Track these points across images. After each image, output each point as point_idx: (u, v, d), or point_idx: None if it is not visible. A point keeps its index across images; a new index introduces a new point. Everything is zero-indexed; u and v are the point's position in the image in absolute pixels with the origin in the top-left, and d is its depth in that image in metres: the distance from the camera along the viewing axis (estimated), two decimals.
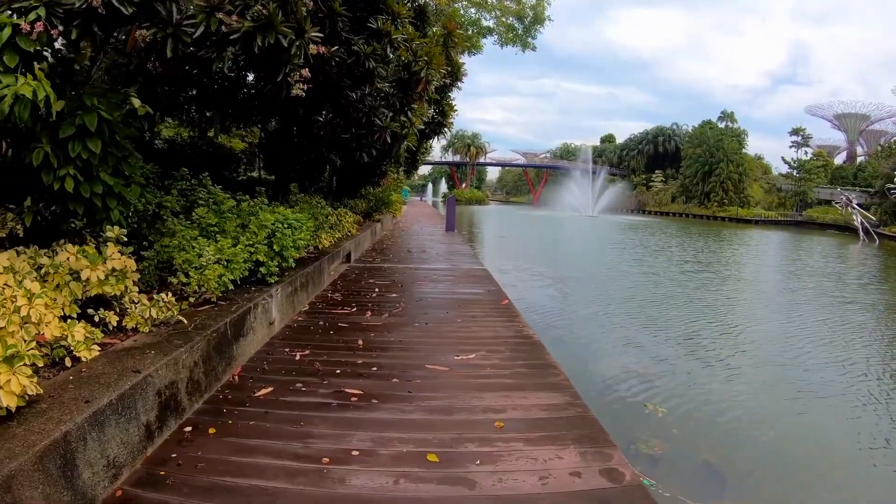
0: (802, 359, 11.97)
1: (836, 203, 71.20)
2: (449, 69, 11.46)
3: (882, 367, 11.74)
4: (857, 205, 63.57)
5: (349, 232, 13.85)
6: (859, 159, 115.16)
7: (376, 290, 10.03)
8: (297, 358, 6.09)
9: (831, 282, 25.03)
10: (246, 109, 11.50)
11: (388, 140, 9.49)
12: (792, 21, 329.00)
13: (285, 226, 7.77)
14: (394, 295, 9.69)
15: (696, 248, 37.21)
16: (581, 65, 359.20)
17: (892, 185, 54.87)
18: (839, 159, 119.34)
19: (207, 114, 12.57)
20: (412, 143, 9.97)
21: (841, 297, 21.00)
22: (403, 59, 9.26)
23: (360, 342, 6.78)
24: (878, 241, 54.45)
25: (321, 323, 7.64)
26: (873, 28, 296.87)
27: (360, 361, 6.06)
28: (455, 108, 14.37)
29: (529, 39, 18.67)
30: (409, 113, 9.79)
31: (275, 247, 7.39)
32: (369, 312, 8.29)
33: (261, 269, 7.08)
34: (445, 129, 14.54)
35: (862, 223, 58.41)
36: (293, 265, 7.87)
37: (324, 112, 10.14)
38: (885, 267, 34.41)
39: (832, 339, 13.81)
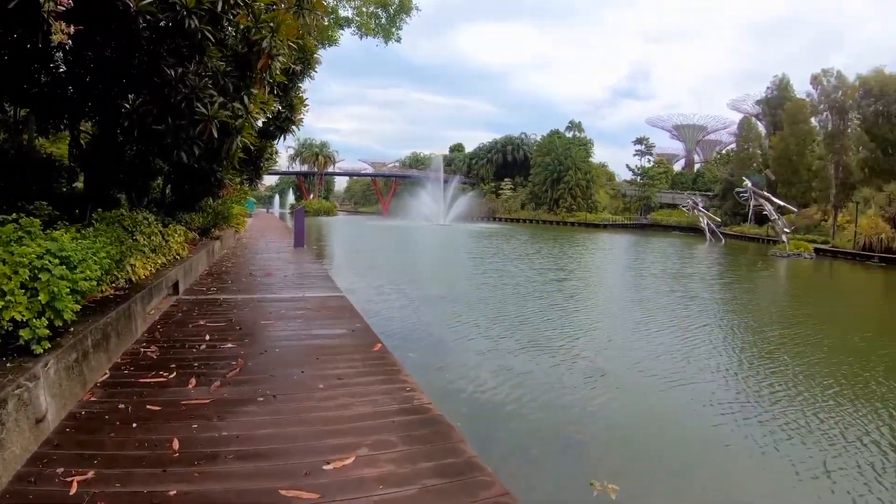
0: (664, 354, 13.13)
1: (683, 206, 75.25)
2: (300, 44, 8.98)
3: (737, 359, 13.54)
4: (703, 207, 66.84)
5: (178, 254, 11.09)
6: (697, 166, 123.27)
7: (207, 337, 7.39)
8: (73, 493, 3.55)
9: (695, 282, 27.35)
10: (57, 101, 8.54)
11: (215, 134, 6.79)
12: (634, 39, 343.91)
13: (56, 262, 5.04)
14: (229, 345, 7.15)
15: (553, 254, 37.91)
16: (431, 75, 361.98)
17: (741, 189, 57.50)
18: (678, 166, 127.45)
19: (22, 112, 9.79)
20: (250, 141, 7.27)
21: (711, 297, 22.97)
22: (242, 25, 6.86)
23: (176, 445, 4.27)
24: (723, 241, 58.03)
25: (122, 406, 5.03)
26: (708, 47, 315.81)
27: (172, 492, 3.59)
28: (306, 101, 11.71)
29: (394, 30, 16.28)
30: (246, 99, 7.21)
31: (41, 296, 4.72)
32: (194, 380, 5.73)
33: (21, 332, 4.41)
34: (294, 126, 11.73)
35: (708, 224, 62.48)
36: (75, 318, 5.20)
37: (131, 96, 7.30)
38: (737, 264, 39.69)
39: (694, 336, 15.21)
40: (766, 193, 55.72)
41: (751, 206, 57.49)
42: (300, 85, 11.58)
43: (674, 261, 38.92)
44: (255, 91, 7.40)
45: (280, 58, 7.27)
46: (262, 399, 5.42)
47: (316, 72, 11.62)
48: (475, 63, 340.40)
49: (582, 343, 13.80)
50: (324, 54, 14.04)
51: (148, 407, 5.02)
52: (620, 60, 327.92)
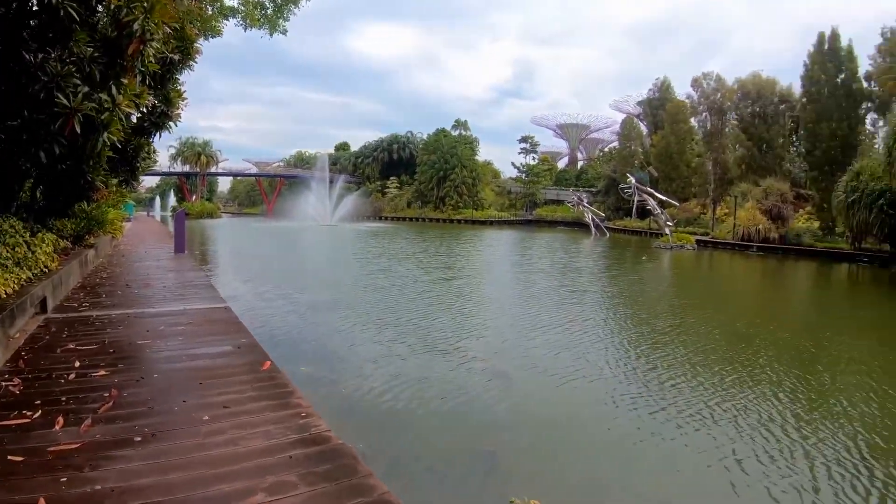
0: (549, 346, 13.66)
1: (569, 202, 77.46)
2: (178, 31, 8.09)
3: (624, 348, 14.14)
4: (588, 203, 68.91)
5: (45, 267, 9.92)
6: (580, 164, 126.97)
7: (77, 363, 6.33)
8: None
9: (584, 276, 28.65)
10: None
11: (78, 130, 5.81)
12: (520, 41, 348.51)
13: None
14: (102, 372, 6.14)
15: (441, 252, 38.37)
16: (318, 73, 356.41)
17: (626, 185, 59.53)
18: (562, 164, 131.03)
19: None
20: (118, 138, 6.33)
21: (600, 291, 24.13)
22: (113, 5, 5.97)
23: None
24: (608, 235, 59.88)
25: None
26: (592, 50, 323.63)
27: None
28: (185, 95, 10.60)
29: (280, 21, 15.26)
30: (115, 89, 6.26)
31: None
32: (61, 418, 4.79)
33: None
34: (171, 122, 10.59)
35: (593, 219, 64.19)
36: None
37: None
38: (623, 258, 42.19)
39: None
40: (649, 189, 58.72)
41: (634, 202, 59.92)
42: (178, 77, 10.47)
43: (561, 255, 40.02)
44: (125, 81, 6.49)
45: (154, 43, 6.42)
46: (139, 439, 4.57)
47: (196, 62, 10.61)
48: (362, 61, 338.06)
49: (476, 344, 13.66)
50: (206, 47, 12.91)
51: (10, 455, 4.11)
52: (506, 61, 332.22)
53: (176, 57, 9.17)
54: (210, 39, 14.68)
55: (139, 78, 6.84)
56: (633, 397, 10.26)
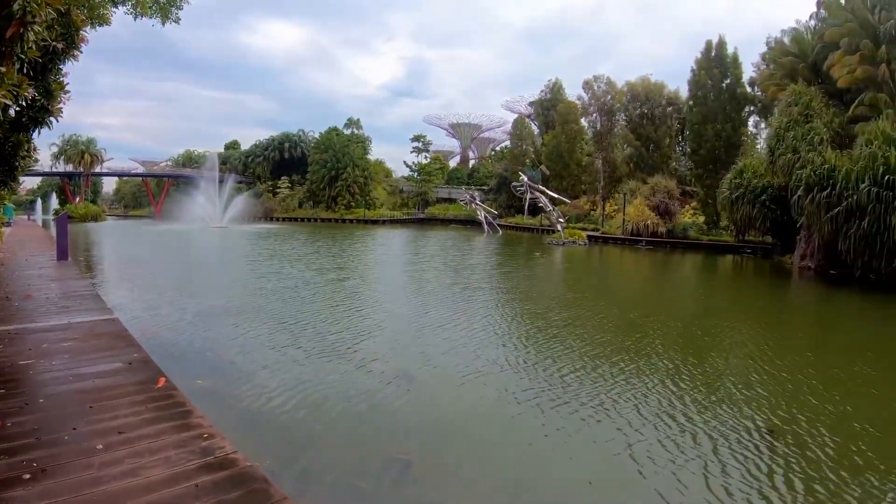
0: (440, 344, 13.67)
1: (461, 200, 78.32)
2: (63, 16, 7.23)
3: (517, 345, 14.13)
4: (480, 201, 69.69)
5: None
6: (471, 162, 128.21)
7: None
8: None
9: (477, 273, 28.67)
10: None
11: None
12: (414, 42, 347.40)
13: None
14: None
15: (333, 252, 37.86)
16: (208, 69, 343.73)
17: (518, 183, 60.44)
18: (453, 163, 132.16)
19: None
20: None
21: (494, 287, 24.40)
22: None
23: None
24: (500, 232, 60.62)
25: None
26: (485, 52, 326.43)
27: None
28: (67, 87, 9.51)
29: (173, 9, 14.23)
30: None
31: None
32: None
33: None
34: (52, 117, 9.43)
35: (486, 217, 64.77)
36: None
37: None
38: (516, 254, 42.83)
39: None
40: (541, 187, 60.18)
41: (527, 199, 60.78)
42: (61, 67, 9.45)
43: (454, 253, 40.28)
44: (2, 69, 5.68)
45: (36, 27, 5.63)
46: (28, 476, 4.00)
47: (81, 52, 9.67)
48: (255, 58, 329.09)
49: (373, 345, 13.44)
50: (93, 37, 11.74)
51: None
52: (400, 60, 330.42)
53: (60, 45, 8.21)
54: (97, 28, 13.48)
55: (17, 66, 6.01)
56: (535, 392, 10.28)
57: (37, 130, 9.57)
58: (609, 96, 65.25)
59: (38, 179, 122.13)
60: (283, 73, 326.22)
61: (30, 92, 7.28)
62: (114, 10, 13.57)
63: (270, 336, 13.80)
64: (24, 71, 6.62)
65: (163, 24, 13.99)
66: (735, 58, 55.40)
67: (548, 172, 69.81)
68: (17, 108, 7.87)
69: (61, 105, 9.37)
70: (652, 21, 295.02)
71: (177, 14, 14.33)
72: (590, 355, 12.89)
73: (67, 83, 9.53)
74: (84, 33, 9.25)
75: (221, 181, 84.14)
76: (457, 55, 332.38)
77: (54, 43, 7.99)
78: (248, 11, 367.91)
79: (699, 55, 55.83)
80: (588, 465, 7.76)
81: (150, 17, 14.09)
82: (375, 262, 34.31)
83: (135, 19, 13.73)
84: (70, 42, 8.74)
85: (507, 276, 28.53)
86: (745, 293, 27.04)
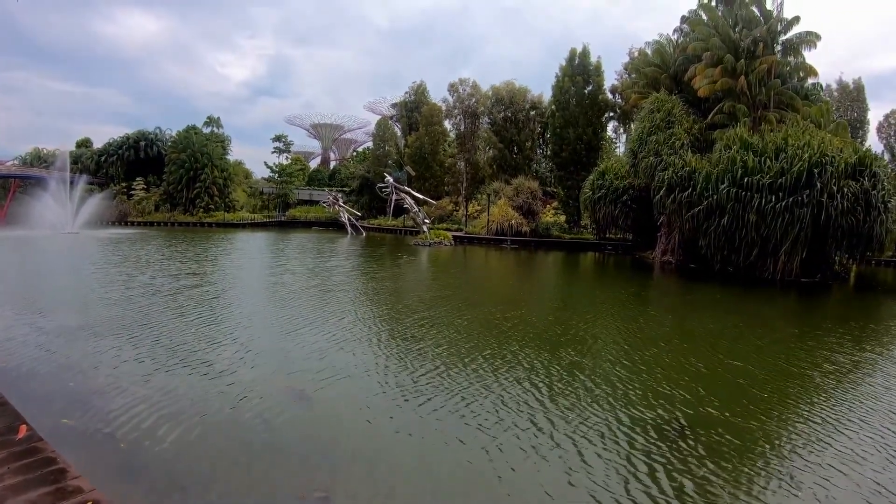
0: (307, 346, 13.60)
1: (324, 203, 78.04)
2: None
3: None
4: (343, 203, 69.41)
5: None
6: (332, 164, 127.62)
7: None
8: None
9: (340, 276, 28.19)
10: None
11: None
12: (276, 38, 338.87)
13: None
14: None
15: (188, 257, 36.03)
16: (57, 58, 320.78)
17: (383, 185, 60.46)
18: (314, 164, 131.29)
19: None
20: None
21: (360, 289, 24.28)
22: None
23: None
24: (364, 234, 60.50)
25: None
26: (347, 51, 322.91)
27: None
28: None
29: None
30: None
31: None
32: None
33: None
34: None
35: (349, 219, 64.70)
36: None
37: None
38: (382, 256, 42.25)
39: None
40: (406, 188, 60.10)
41: (392, 200, 60.46)
42: None
43: (315, 256, 39.79)
44: None
45: None
46: None
47: None
48: (109, 49, 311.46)
49: (232, 354, 12.83)
50: None
51: None
52: (260, 57, 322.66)
53: None
54: None
55: None
56: (404, 394, 10.36)
57: None
58: (473, 99, 66.58)
59: None
60: (140, 66, 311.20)
61: None
62: None
63: (135, 352, 12.69)
64: None
65: None
66: (598, 66, 58.53)
67: (413, 173, 69.96)
68: None
69: None
70: (514, 26, 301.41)
71: None
72: (452, 354, 13.07)
73: None
74: None
75: (72, 182, 79.47)
76: (318, 53, 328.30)
77: None
78: None
79: (563, 62, 58.63)
80: (451, 466, 7.78)
81: None
82: (234, 267, 31.95)
83: None
84: None
85: (370, 277, 28.25)
86: (611, 287, 28.36)
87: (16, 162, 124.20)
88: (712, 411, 9.81)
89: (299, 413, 9.54)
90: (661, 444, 8.37)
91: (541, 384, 10.99)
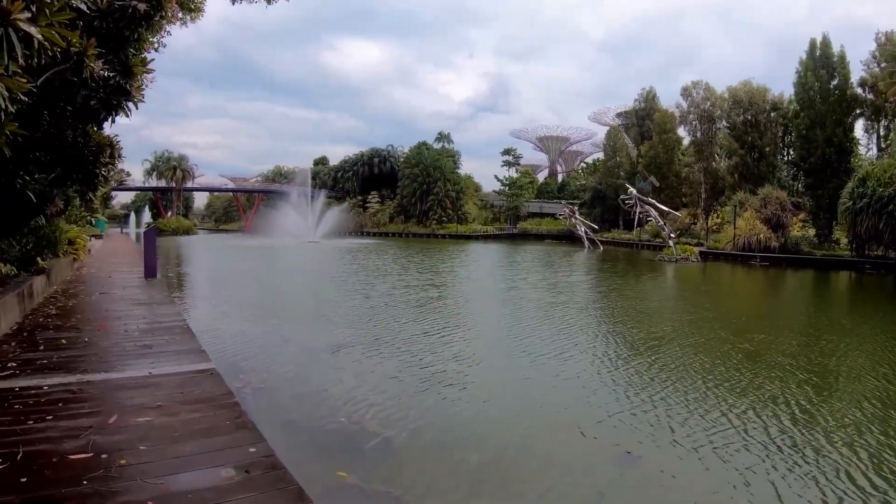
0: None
1: (560, 215, 75.82)
2: None
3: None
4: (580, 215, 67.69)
5: None
6: (559, 176, 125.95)
7: None
8: None
9: (598, 293, 25.10)
10: None
11: None
12: (495, 57, 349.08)
13: None
14: None
15: (425, 268, 36.10)
16: (292, 89, 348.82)
17: (627, 197, 56.95)
18: (541, 177, 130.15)
19: None
20: (15, 88, 3.43)
21: (629, 308, 21.53)
22: None
23: None
24: (601, 248, 58.51)
25: None
26: (565, 65, 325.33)
27: None
28: (149, 65, 7.10)
29: None
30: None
31: None
32: None
33: None
34: (131, 103, 7.06)
35: (586, 232, 64.07)
36: None
37: None
38: (628, 272, 38.58)
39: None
40: (651, 200, 56.52)
41: (636, 213, 57.05)
42: (147, 34, 7.22)
43: (555, 270, 37.97)
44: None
45: None
46: None
47: (174, 25, 7.76)
48: (337, 77, 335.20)
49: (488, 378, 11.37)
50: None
51: None
52: (481, 76, 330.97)
53: (141, 6, 6.14)
54: (188, 23, 11.58)
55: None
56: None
57: (110, 118, 7.35)
58: (708, 103, 61.68)
59: (131, 194, 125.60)
60: (365, 91, 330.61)
61: (97, 64, 5.33)
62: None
63: (426, 386, 10.60)
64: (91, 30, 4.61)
65: (268, 2, 11.86)
66: (842, 56, 51.34)
67: (657, 184, 65.97)
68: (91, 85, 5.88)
69: (143, 87, 7.15)
70: (729, 26, 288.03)
71: None
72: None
73: (152, 58, 7.44)
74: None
75: (312, 196, 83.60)
76: (536, 69, 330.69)
77: (134, 2, 6.01)
78: (328, 31, 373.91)
79: (803, 55, 52.28)
80: None
81: (251, 2, 11.93)
82: (491, 281, 31.25)
83: (233, 3, 11.67)
84: (155, 5, 6.56)
85: (625, 296, 25.42)
86: None
87: (259, 179, 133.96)
88: None
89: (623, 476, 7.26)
90: None
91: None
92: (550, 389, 10.63)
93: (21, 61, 3.39)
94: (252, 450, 4.39)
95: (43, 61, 3.92)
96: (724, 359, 13.14)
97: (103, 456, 4.19)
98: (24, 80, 3.59)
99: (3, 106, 3.37)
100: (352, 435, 8.06)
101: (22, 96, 3.73)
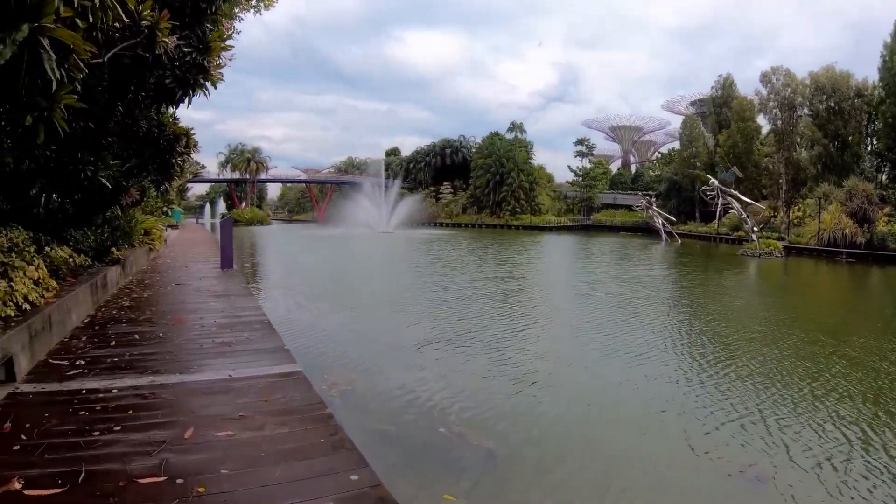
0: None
1: (637, 206, 74.26)
2: None
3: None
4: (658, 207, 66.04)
5: (26, 302, 6.58)
6: (633, 166, 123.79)
7: None
8: None
9: (688, 289, 25.12)
10: None
11: None
12: (564, 46, 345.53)
13: None
14: None
15: (503, 259, 35.66)
16: (361, 81, 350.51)
17: (708, 188, 55.22)
18: (614, 167, 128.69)
19: None
20: (82, 55, 2.88)
21: (722, 309, 19.90)
22: None
23: None
24: (679, 241, 59.16)
25: None
26: (635, 53, 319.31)
27: None
28: (228, 40, 6.52)
29: None
30: None
31: None
32: None
33: None
34: (209, 82, 6.51)
35: (663, 224, 62.26)
36: None
37: None
38: (714, 267, 37.09)
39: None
40: (733, 191, 54.19)
41: (718, 204, 55.14)
42: (226, 12, 6.63)
43: (634, 263, 36.55)
44: None
45: None
46: None
47: (249, 11, 7.27)
48: (406, 69, 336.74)
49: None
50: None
51: None
52: (551, 66, 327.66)
53: None
54: (262, 11, 11.13)
55: None
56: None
57: (187, 98, 6.78)
58: (789, 89, 58.36)
59: (206, 186, 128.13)
60: (434, 82, 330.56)
61: (171, 39, 4.81)
62: None
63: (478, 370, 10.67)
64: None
65: None
66: None
67: (740, 175, 62.98)
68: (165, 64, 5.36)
69: (222, 64, 6.58)
70: (804, 9, 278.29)
71: None
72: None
73: (232, 33, 6.88)
74: None
75: (385, 186, 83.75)
76: (606, 57, 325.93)
77: None
78: (395, 23, 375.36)
79: (888, 38, 48.64)
80: None
81: None
82: (574, 275, 30.52)
83: None
84: None
85: (710, 292, 24.19)
86: None
87: (331, 170, 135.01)
88: None
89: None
90: None
91: None
92: (650, 396, 9.93)
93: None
94: (354, 477, 3.77)
95: (109, 32, 3.39)
96: (828, 364, 12.18)
97: (178, 481, 3.62)
98: (85, 45, 3.03)
99: (54, 72, 2.80)
100: (451, 448, 7.38)
101: (83, 67, 3.19)
